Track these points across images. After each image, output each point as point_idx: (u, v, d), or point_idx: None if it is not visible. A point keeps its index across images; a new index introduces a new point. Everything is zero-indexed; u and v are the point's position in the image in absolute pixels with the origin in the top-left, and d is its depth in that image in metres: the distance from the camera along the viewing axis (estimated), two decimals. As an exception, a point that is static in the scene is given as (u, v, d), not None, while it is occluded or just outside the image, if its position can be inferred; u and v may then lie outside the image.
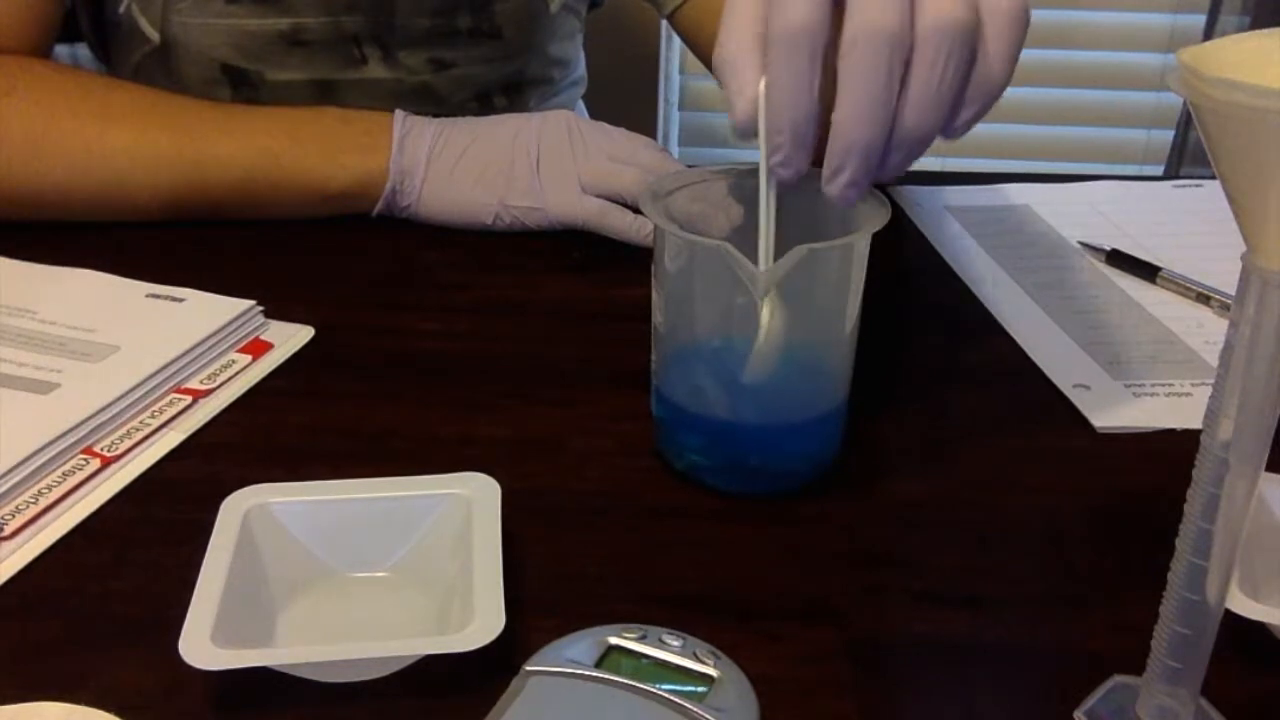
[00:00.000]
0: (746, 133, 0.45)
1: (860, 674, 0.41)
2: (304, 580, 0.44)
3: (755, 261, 0.46)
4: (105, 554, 0.46)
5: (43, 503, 0.48)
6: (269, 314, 0.62)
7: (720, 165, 0.52)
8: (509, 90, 0.91)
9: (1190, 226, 0.77)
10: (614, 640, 0.39)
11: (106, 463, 0.51)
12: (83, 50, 0.96)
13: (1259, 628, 0.41)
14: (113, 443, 0.52)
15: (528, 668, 0.38)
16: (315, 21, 0.80)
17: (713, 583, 0.45)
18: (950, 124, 0.45)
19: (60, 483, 0.49)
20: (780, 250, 0.46)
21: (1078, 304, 0.67)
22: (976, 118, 0.46)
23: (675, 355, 0.50)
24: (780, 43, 0.43)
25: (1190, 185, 0.85)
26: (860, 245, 0.47)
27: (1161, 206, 0.81)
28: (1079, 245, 0.74)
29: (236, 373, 0.58)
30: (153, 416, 0.54)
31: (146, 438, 0.53)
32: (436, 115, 0.74)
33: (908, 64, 0.43)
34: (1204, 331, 0.64)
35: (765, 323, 0.46)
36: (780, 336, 0.46)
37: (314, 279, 0.68)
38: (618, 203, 0.70)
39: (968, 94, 0.45)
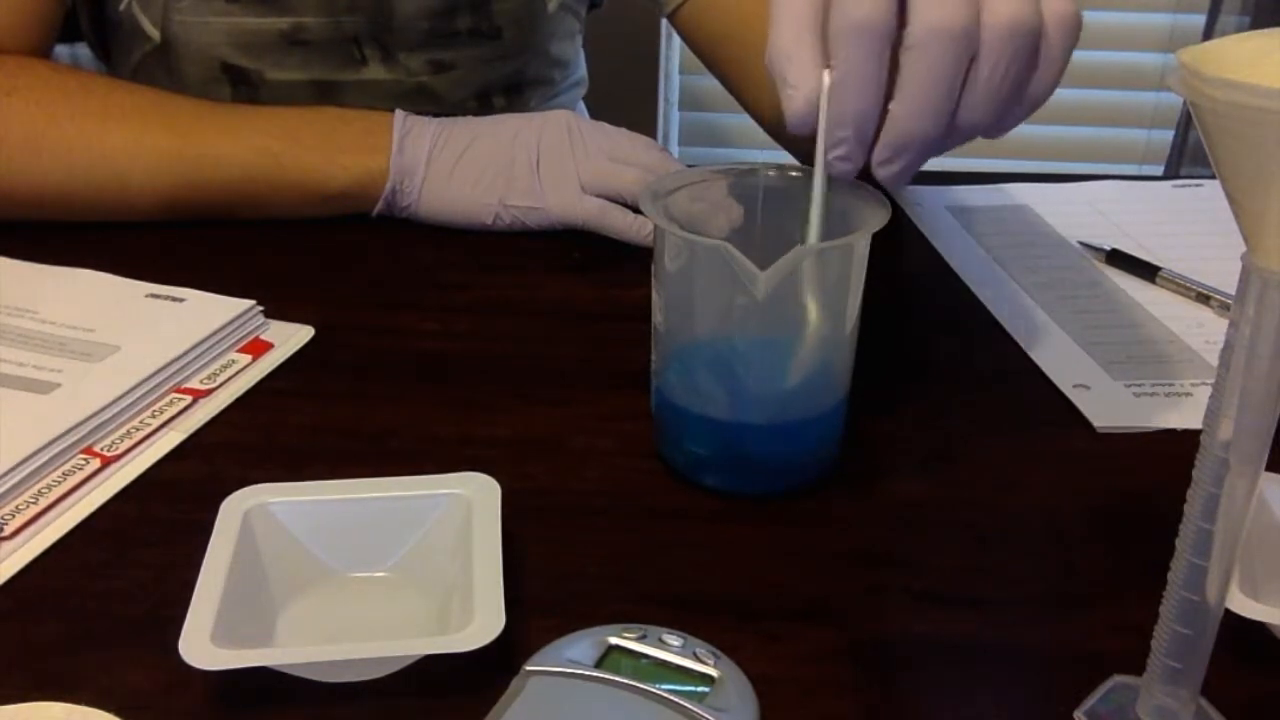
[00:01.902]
0: (802, 127, 0.45)
1: (860, 674, 0.41)
2: (304, 580, 0.44)
3: (781, 222, 0.46)
4: (105, 554, 0.46)
5: (43, 503, 0.48)
6: (269, 314, 0.62)
7: (720, 165, 0.52)
8: (509, 91, 0.91)
9: (1190, 226, 0.77)
10: (614, 640, 0.39)
11: (106, 462, 0.51)
12: (83, 50, 0.96)
13: (1259, 628, 0.41)
14: (113, 443, 0.52)
15: (528, 668, 0.38)
16: (315, 21, 0.80)
17: (713, 583, 0.45)
18: (1000, 123, 0.45)
19: (60, 483, 0.49)
20: (780, 250, 0.46)
21: (1078, 304, 0.67)
22: (1023, 118, 0.46)
23: (675, 355, 0.50)
24: (848, 36, 0.42)
25: (1190, 185, 0.85)
26: (860, 245, 0.47)
27: (1161, 206, 0.81)
28: (1079, 245, 0.74)
29: (236, 373, 0.58)
30: (153, 416, 0.54)
31: (146, 438, 0.53)
32: (436, 115, 0.74)
33: (972, 61, 0.43)
34: (1204, 331, 0.64)
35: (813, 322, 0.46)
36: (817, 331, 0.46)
37: (314, 279, 0.68)
38: (618, 203, 0.70)
39: (1024, 96, 0.45)
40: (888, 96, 0.44)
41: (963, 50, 0.42)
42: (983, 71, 0.43)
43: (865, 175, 0.49)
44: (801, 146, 0.55)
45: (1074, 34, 0.44)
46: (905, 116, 0.43)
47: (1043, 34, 0.44)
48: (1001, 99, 0.44)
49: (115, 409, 0.53)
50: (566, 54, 0.96)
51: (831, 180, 0.48)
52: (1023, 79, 0.44)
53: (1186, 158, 1.78)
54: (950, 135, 0.45)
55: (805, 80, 0.44)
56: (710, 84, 0.93)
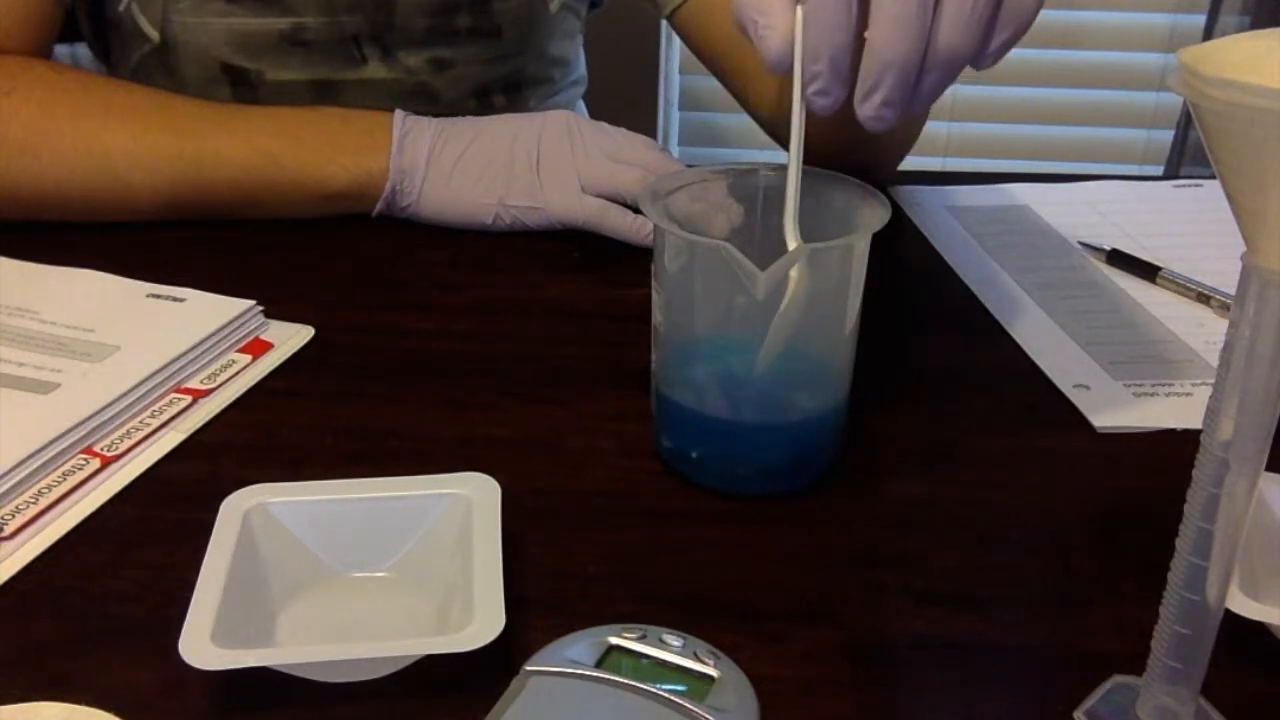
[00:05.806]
0: (780, 66, 0.45)
1: (860, 674, 0.41)
2: (304, 580, 0.44)
3: (780, 220, 0.45)
4: (105, 554, 0.46)
5: (43, 503, 0.48)
6: (269, 314, 0.62)
7: (720, 165, 0.52)
8: (508, 90, 0.91)
9: (1190, 226, 0.77)
10: (614, 640, 0.39)
11: (106, 463, 0.51)
12: (83, 50, 0.96)
13: (1259, 628, 0.41)
14: (113, 443, 0.52)
15: (528, 668, 0.38)
16: (315, 21, 0.80)
17: (713, 583, 0.45)
18: (983, 49, 0.45)
19: (60, 483, 0.49)
20: (780, 250, 0.46)
21: (1078, 304, 0.67)
22: (1008, 45, 0.46)
23: (675, 355, 0.50)
24: None
25: (1190, 185, 0.85)
26: (860, 245, 0.47)
27: (1161, 206, 0.81)
28: (1079, 245, 0.74)
29: (236, 373, 0.58)
30: (153, 416, 0.54)
31: (146, 438, 0.53)
32: (436, 115, 0.74)
33: None
34: (1204, 331, 0.64)
35: (791, 291, 0.45)
36: (801, 310, 0.46)
37: (314, 279, 0.68)
38: (618, 203, 0.71)
39: (1001, 17, 0.44)
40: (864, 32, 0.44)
41: None
42: None
43: (855, 172, 0.49)
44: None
45: None
46: (879, 39, 0.43)
47: None
48: (978, 18, 0.43)
49: (115, 409, 0.53)
50: (566, 53, 0.96)
51: (830, 180, 0.48)
52: None
53: (1186, 158, 1.78)
54: (933, 63, 0.44)
55: (779, 18, 0.44)
56: (710, 84, 0.92)
